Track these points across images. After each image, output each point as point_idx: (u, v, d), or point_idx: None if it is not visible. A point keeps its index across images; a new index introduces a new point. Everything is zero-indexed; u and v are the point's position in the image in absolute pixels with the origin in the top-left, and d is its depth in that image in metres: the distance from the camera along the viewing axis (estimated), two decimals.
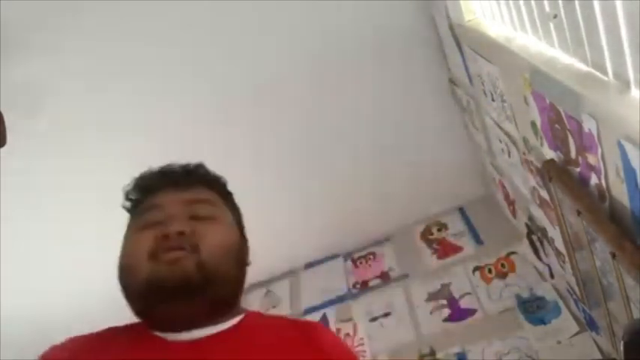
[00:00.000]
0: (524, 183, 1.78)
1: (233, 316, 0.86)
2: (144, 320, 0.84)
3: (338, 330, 2.38)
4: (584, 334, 1.86)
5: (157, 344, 0.81)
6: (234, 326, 0.85)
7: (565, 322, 1.94)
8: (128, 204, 0.94)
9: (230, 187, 1.00)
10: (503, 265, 2.31)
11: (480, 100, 1.94)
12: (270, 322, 0.94)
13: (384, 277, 2.57)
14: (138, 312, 0.83)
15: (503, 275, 2.27)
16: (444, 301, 2.29)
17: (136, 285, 0.80)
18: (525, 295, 2.11)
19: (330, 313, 2.50)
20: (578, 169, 1.23)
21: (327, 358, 0.86)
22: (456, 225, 2.66)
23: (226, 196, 0.97)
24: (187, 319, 0.80)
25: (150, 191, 0.92)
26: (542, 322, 1.98)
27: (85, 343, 0.86)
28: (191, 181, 0.93)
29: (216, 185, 0.97)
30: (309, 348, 0.85)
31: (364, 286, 2.57)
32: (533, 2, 1.22)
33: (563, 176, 1.27)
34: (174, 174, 0.94)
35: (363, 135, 2.49)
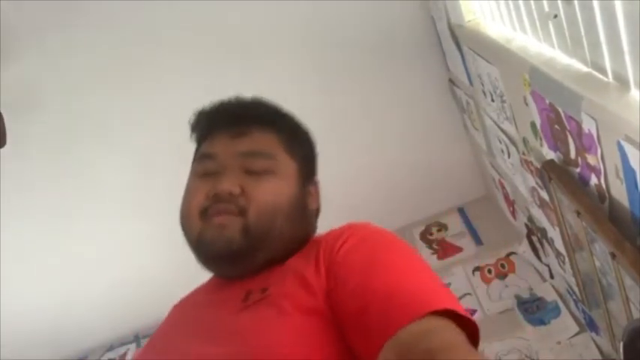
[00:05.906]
0: (523, 183, 1.78)
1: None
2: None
3: None
4: (584, 334, 1.86)
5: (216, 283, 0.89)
6: None
7: (565, 323, 1.94)
8: (193, 138, 0.96)
9: None
10: (503, 266, 2.30)
11: (479, 101, 1.94)
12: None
13: None
14: (197, 259, 0.87)
15: (503, 275, 2.26)
16: None
17: (191, 238, 0.85)
18: (525, 295, 2.11)
19: None
20: (577, 170, 1.23)
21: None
22: (455, 225, 2.66)
23: (288, 135, 0.92)
24: (236, 275, 0.85)
25: (208, 131, 0.92)
26: (542, 322, 1.98)
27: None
28: (248, 124, 0.90)
29: (276, 124, 0.92)
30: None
31: None
32: (532, 2, 1.22)
33: (563, 177, 1.27)
34: (230, 116, 0.92)
35: (362, 135, 2.49)
